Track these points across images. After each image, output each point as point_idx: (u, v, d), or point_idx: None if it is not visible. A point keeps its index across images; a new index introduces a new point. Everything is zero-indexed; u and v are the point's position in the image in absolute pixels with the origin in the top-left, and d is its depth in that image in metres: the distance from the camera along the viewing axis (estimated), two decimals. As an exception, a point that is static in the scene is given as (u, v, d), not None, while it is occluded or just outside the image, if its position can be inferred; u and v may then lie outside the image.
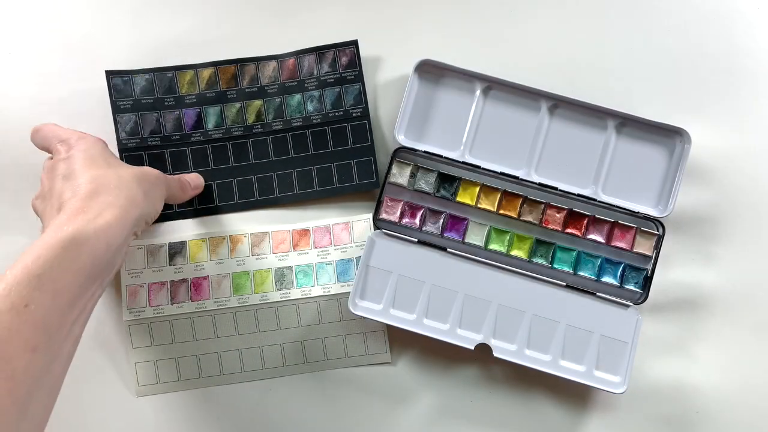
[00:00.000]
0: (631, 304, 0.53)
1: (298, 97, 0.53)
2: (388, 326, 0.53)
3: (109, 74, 0.53)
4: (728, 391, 0.54)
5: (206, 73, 0.53)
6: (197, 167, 0.53)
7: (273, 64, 0.53)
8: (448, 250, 0.53)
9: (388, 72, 0.56)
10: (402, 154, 0.54)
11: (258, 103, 0.53)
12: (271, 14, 0.57)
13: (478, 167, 0.54)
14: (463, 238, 0.54)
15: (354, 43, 0.53)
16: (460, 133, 0.54)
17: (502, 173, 0.53)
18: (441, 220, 0.54)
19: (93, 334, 0.54)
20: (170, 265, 0.54)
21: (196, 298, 0.54)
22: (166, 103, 0.53)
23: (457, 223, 0.54)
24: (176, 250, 0.54)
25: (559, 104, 0.54)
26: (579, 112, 0.54)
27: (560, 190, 0.53)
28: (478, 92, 0.54)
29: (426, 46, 0.56)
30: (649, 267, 0.53)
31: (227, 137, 0.53)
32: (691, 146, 0.52)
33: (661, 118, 0.52)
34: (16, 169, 0.55)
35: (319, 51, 0.53)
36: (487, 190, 0.54)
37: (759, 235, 0.55)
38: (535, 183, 0.54)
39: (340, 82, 0.53)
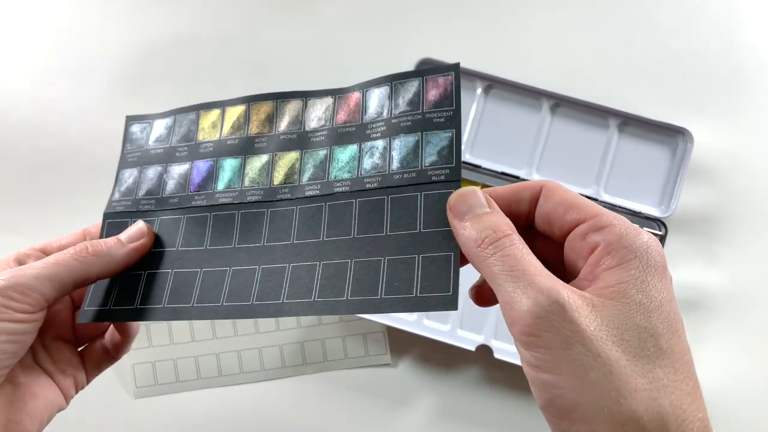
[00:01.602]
0: (633, 304, 0.52)
1: (352, 149, 0.32)
2: (388, 327, 0.53)
3: (130, 120, 0.39)
4: (730, 393, 0.53)
5: (234, 111, 0.36)
6: (188, 245, 0.34)
7: (328, 101, 0.34)
8: (449, 250, 0.53)
9: (388, 72, 0.56)
10: (402, 153, 0.54)
11: (293, 156, 0.34)
12: (266, 13, 0.57)
13: (479, 167, 0.53)
14: (464, 239, 0.54)
15: (454, 68, 0.31)
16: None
17: (503, 173, 0.53)
18: (441, 221, 0.54)
19: (91, 335, 0.53)
20: (169, 265, 0.53)
21: (195, 299, 0.53)
22: (177, 154, 0.37)
23: (457, 223, 0.54)
24: (175, 250, 0.54)
25: (561, 103, 0.53)
26: (581, 111, 0.53)
27: (562, 190, 0.53)
28: (479, 91, 0.54)
29: (426, 45, 0.56)
30: (652, 267, 0.53)
31: (237, 203, 0.34)
32: (694, 146, 0.52)
33: (664, 118, 0.52)
34: (13, 168, 0.55)
35: (397, 81, 0.33)
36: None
37: (762, 235, 0.55)
38: (537, 183, 0.53)
39: (421, 127, 0.31)
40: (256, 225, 0.33)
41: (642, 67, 0.57)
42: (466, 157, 0.54)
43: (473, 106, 0.54)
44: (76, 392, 0.33)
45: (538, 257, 0.28)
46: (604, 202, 0.53)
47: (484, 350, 0.51)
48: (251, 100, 0.36)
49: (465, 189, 0.26)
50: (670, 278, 0.23)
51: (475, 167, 0.53)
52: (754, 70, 0.57)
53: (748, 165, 0.55)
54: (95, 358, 0.34)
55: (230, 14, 0.57)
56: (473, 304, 0.29)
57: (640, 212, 0.52)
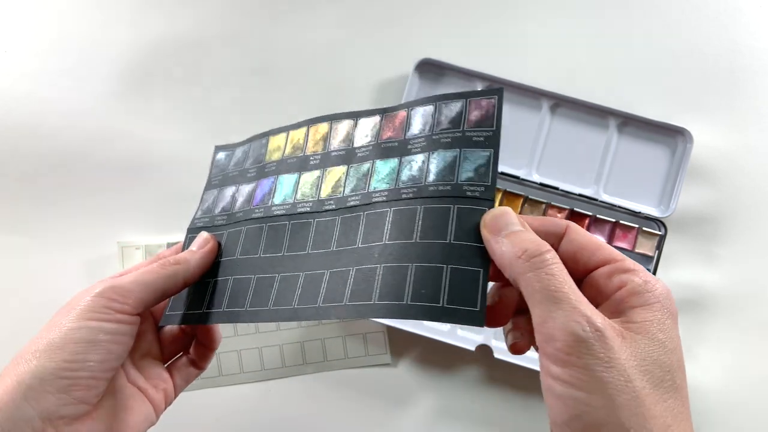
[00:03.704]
0: (632, 304, 0.52)
1: (393, 162, 0.34)
2: (389, 327, 0.53)
3: (217, 149, 0.43)
4: (730, 393, 0.53)
5: (297, 134, 0.39)
6: (246, 253, 0.36)
7: (376, 119, 0.36)
8: (449, 250, 0.53)
9: (388, 71, 0.56)
10: (402, 153, 0.54)
11: (340, 170, 0.36)
12: (266, 14, 0.57)
13: (479, 167, 0.53)
14: (464, 239, 0.54)
15: (498, 92, 0.32)
16: (461, 132, 0.54)
17: (503, 173, 0.53)
18: (441, 220, 0.54)
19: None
20: (169, 265, 0.53)
21: (195, 299, 0.53)
22: (248, 174, 0.40)
23: (457, 223, 0.54)
24: (175, 250, 0.54)
25: (561, 103, 0.53)
26: (580, 111, 0.53)
27: (561, 190, 0.53)
28: (478, 91, 0.54)
29: (426, 45, 0.56)
30: (651, 267, 0.53)
31: (289, 214, 0.36)
32: (693, 146, 0.52)
33: (663, 118, 0.52)
34: (13, 169, 0.55)
35: (441, 101, 0.34)
36: (487, 190, 0.54)
37: (761, 235, 0.55)
38: (536, 183, 0.53)
39: (460, 144, 0.32)
40: (303, 234, 0.35)
41: (641, 67, 0.57)
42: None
43: (473, 106, 0.54)
44: (166, 406, 0.35)
45: None
46: (603, 202, 0.53)
47: (484, 350, 0.51)
48: (311, 123, 0.39)
49: (501, 208, 0.28)
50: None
51: (475, 167, 0.53)
52: (754, 70, 0.57)
53: (747, 165, 0.55)
54: (183, 371, 0.37)
55: (230, 15, 0.57)
56: None
57: (639, 212, 0.53)
